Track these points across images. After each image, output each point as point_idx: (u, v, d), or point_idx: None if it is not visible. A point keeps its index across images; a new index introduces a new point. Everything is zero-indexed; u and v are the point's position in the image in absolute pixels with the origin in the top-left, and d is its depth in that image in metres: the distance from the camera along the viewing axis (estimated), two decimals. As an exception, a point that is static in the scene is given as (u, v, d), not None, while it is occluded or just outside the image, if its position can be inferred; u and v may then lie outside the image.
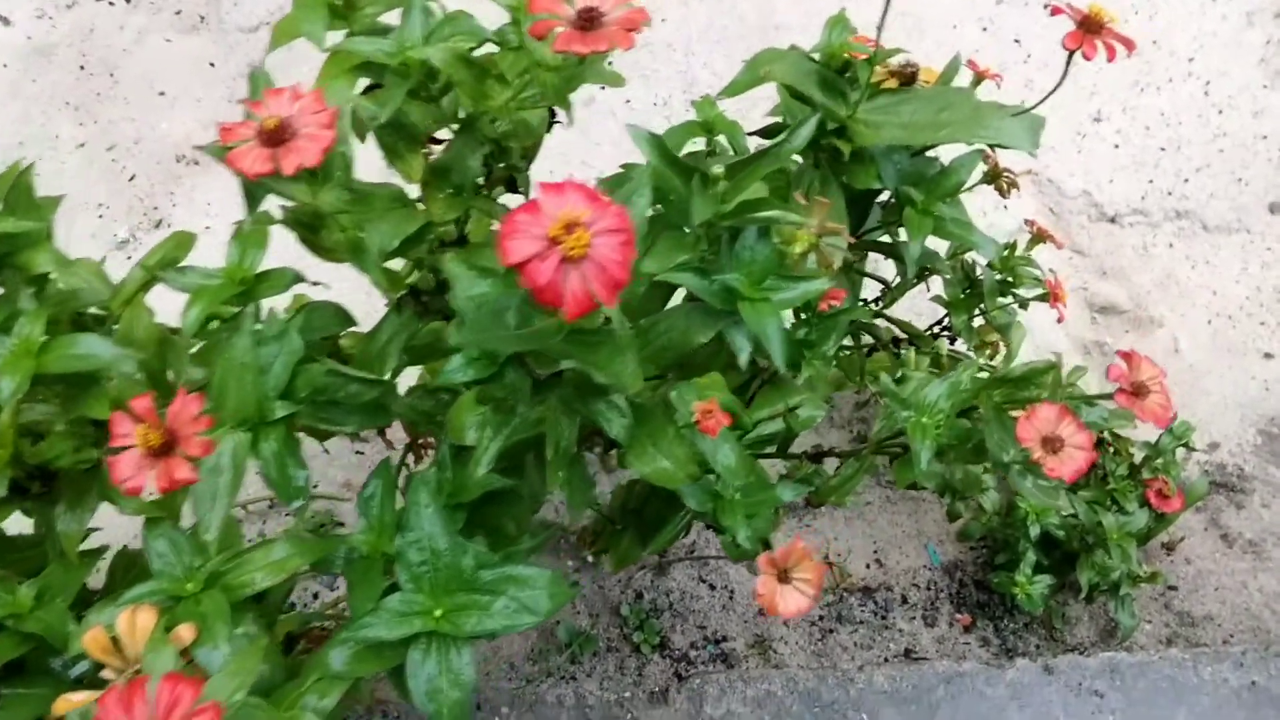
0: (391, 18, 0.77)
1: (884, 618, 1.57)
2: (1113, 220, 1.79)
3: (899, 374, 1.31)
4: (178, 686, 0.51)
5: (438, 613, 0.66)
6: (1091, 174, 1.78)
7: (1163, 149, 1.80)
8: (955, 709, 1.47)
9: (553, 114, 0.85)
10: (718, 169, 0.56)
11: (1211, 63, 1.84)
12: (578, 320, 0.48)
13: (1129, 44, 0.74)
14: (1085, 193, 1.77)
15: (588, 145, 1.65)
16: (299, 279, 0.68)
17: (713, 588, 1.59)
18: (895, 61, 0.88)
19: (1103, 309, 1.77)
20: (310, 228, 0.66)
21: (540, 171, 1.80)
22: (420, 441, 1.27)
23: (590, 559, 1.59)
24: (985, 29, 1.71)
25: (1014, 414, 0.71)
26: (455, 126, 0.68)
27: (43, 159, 1.98)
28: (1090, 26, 0.74)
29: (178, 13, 2.06)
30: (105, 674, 0.62)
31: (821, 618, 1.58)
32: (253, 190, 0.62)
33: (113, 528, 1.23)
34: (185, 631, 0.61)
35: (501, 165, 0.71)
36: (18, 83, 2.04)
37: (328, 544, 0.70)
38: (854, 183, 0.75)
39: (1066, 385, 0.81)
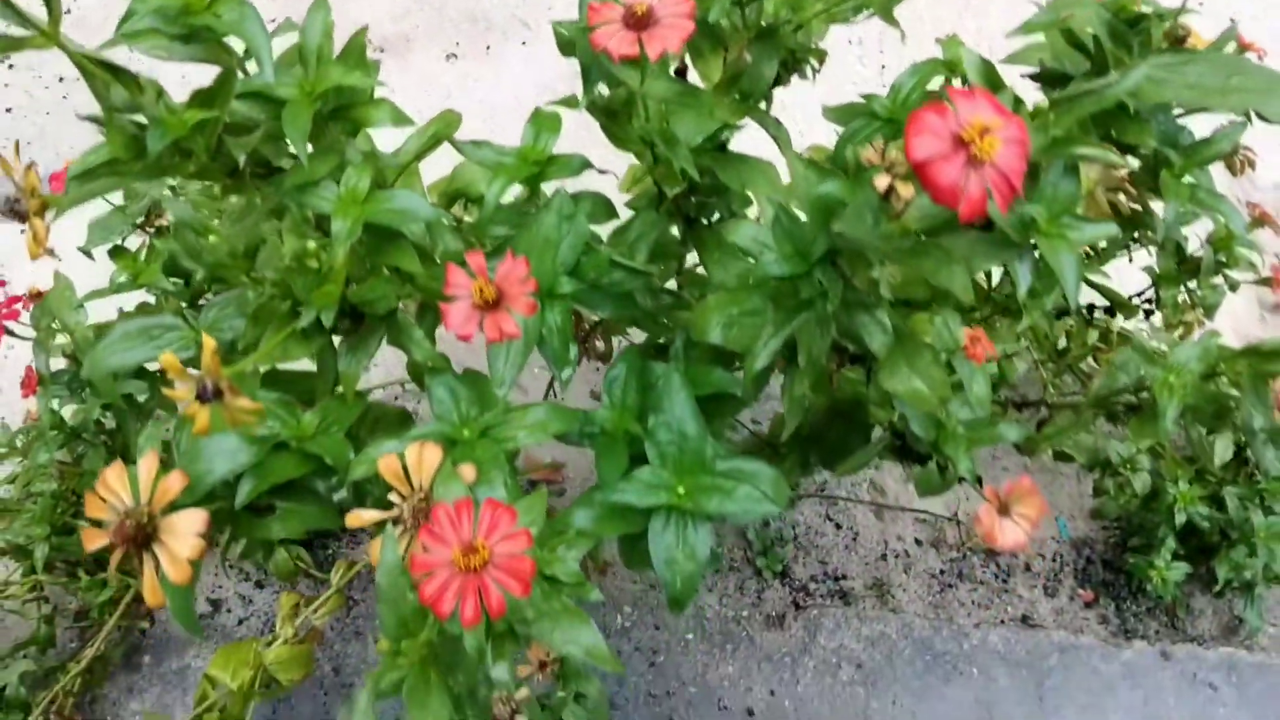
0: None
1: (1005, 581, 1.59)
2: (1300, 219, 1.73)
3: (1063, 356, 1.31)
4: (498, 510, 0.56)
5: (681, 490, 0.71)
6: (1287, 168, 1.72)
7: (1367, 150, 1.73)
8: (1066, 678, 1.49)
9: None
10: (1044, 103, 0.58)
11: None
12: (921, 227, 0.50)
13: None
14: (1277, 186, 1.71)
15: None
16: (587, 165, 0.72)
17: (839, 527, 1.63)
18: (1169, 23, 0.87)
19: (1275, 307, 1.73)
20: (613, 116, 0.69)
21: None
22: (584, 349, 1.32)
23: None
24: (1201, 3, 1.64)
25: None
26: (752, 35, 0.70)
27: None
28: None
29: (380, -103, 2.10)
30: (392, 498, 0.69)
31: (943, 572, 1.60)
32: (589, 71, 0.65)
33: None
34: (468, 471, 0.67)
35: (789, 77, 0.73)
36: (217, -48, 2.12)
37: (577, 415, 0.75)
38: (1123, 137, 0.75)
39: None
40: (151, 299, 1.00)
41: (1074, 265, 0.59)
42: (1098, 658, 1.51)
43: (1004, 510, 0.73)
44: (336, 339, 0.78)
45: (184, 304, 0.92)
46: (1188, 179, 0.84)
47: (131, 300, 1.01)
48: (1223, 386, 0.74)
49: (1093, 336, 1.32)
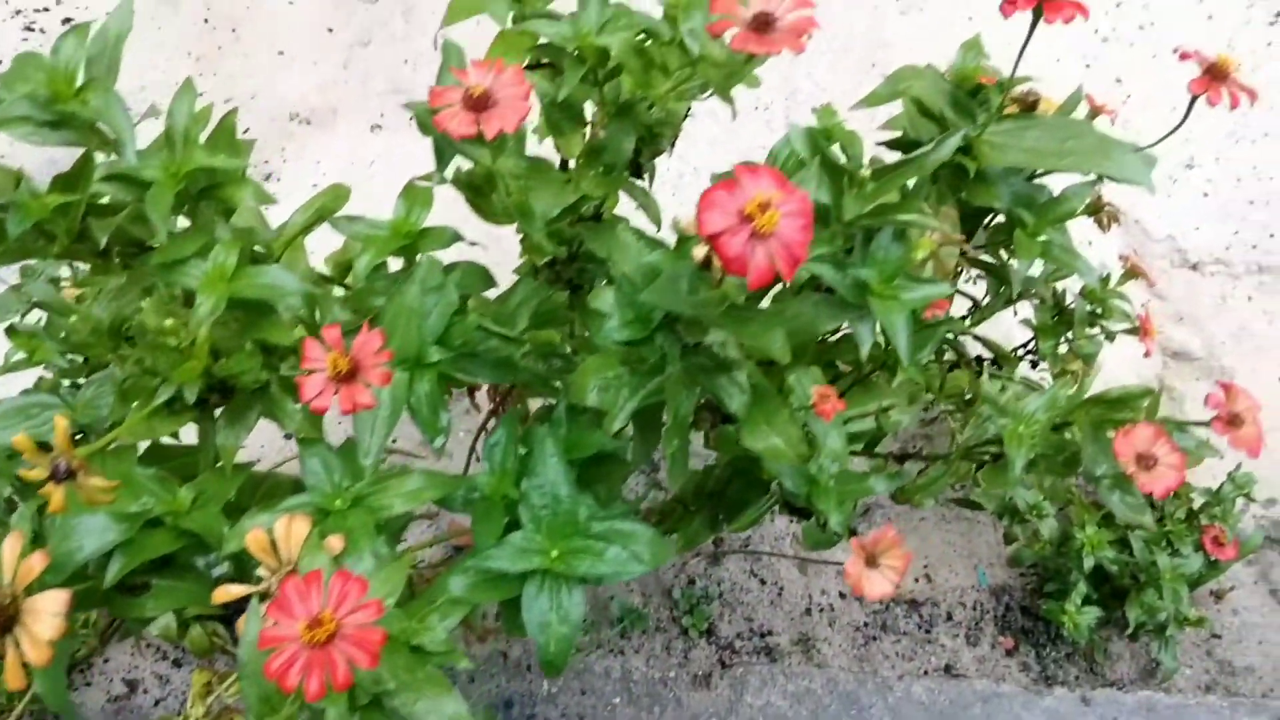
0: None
1: (928, 632, 1.61)
2: (1194, 268, 1.81)
3: (971, 405, 1.35)
4: (348, 582, 0.57)
5: (554, 553, 0.72)
6: (1178, 220, 1.80)
7: (1251, 202, 1.82)
8: (989, 727, 1.50)
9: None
10: (866, 173, 0.62)
11: (1311, 123, 1.85)
12: (738, 295, 0.53)
13: (1252, 94, 0.77)
14: (1170, 237, 1.79)
15: (685, 142, 1.70)
16: (458, 238, 0.74)
17: (763, 582, 1.64)
18: (1018, 89, 0.92)
19: (1175, 354, 1.79)
20: (478, 191, 0.72)
21: (639, 164, 1.85)
22: (503, 408, 1.33)
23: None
24: (1088, 65, 1.73)
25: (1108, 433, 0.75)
26: (612, 111, 0.73)
27: (163, 104, 2.09)
28: (1216, 74, 0.78)
29: (303, -24, 2.15)
30: (260, 572, 0.69)
31: (866, 624, 1.62)
32: (442, 150, 0.68)
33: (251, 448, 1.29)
34: (335, 542, 0.68)
35: (649, 151, 0.77)
36: (143, 29, 2.12)
37: (455, 482, 0.76)
38: (972, 200, 0.80)
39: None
40: (49, 375, 1.00)
41: (905, 325, 0.62)
42: (1020, 705, 1.52)
43: (871, 561, 0.75)
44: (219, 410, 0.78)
45: (82, 379, 0.92)
46: (1045, 236, 0.89)
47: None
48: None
49: (995, 387, 1.36)
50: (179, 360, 0.64)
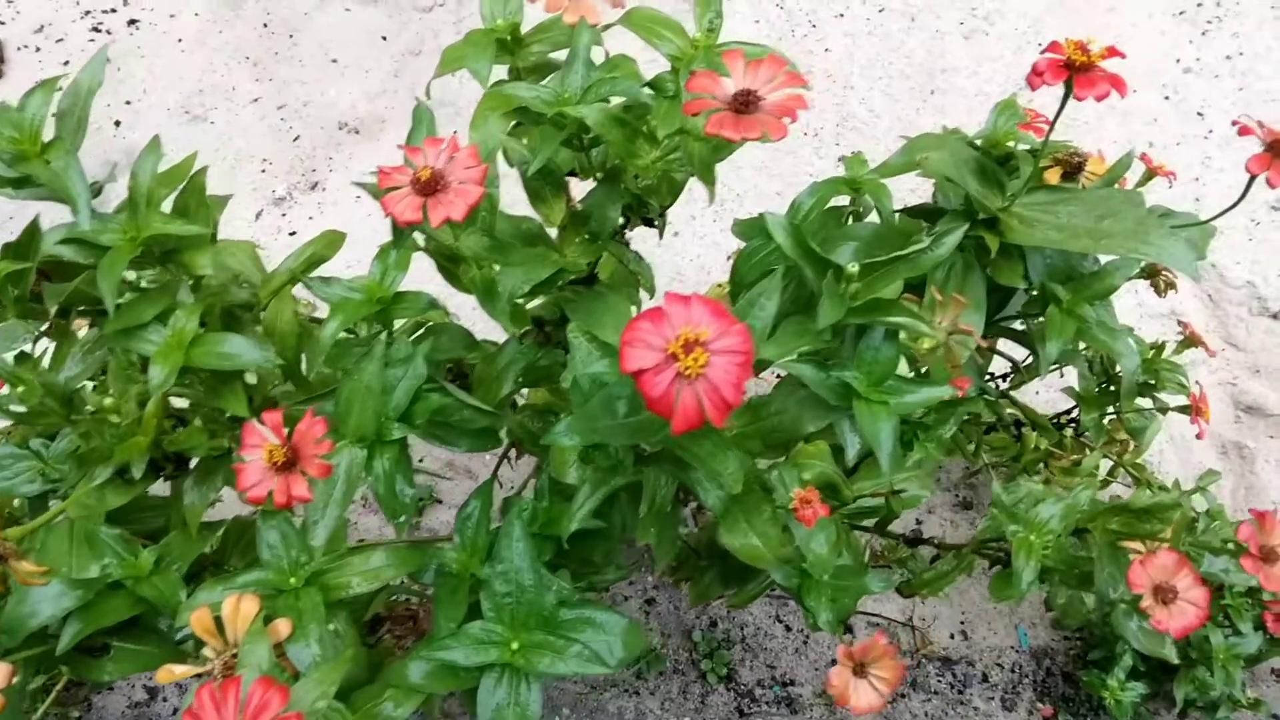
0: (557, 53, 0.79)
1: (961, 692, 1.52)
2: (1274, 317, 1.68)
3: (1018, 461, 1.26)
4: (268, 691, 0.54)
5: (514, 646, 0.68)
6: (1259, 265, 1.67)
7: (1344, 248, 1.67)
8: (1021, 801, 1.42)
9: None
10: (853, 268, 0.55)
11: None
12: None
13: (1321, 175, 0.69)
14: (1249, 284, 1.66)
15: (729, 167, 1.64)
16: (434, 305, 0.71)
17: (788, 628, 1.57)
18: (1063, 151, 0.84)
19: (1249, 409, 1.66)
20: (450, 259, 0.68)
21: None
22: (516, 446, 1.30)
23: (670, 580, 1.59)
24: (1167, 97, 1.61)
25: (1128, 545, 0.67)
26: (599, 176, 0.69)
27: (218, 108, 2.10)
28: (1278, 151, 0.69)
29: (361, -16, 2.14)
30: (206, 652, 0.66)
31: (895, 679, 1.54)
32: (399, 231, 0.65)
33: (232, 496, 1.28)
34: (282, 626, 0.65)
35: (640, 216, 0.72)
36: (205, 32, 2.16)
37: (422, 556, 0.73)
38: (998, 278, 0.73)
39: (1189, 521, 0.76)
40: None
41: (890, 433, 0.56)
42: (1055, 779, 1.44)
43: (860, 671, 0.69)
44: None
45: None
46: (1087, 310, 0.81)
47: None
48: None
49: (1044, 442, 1.27)
50: (125, 435, 0.62)
